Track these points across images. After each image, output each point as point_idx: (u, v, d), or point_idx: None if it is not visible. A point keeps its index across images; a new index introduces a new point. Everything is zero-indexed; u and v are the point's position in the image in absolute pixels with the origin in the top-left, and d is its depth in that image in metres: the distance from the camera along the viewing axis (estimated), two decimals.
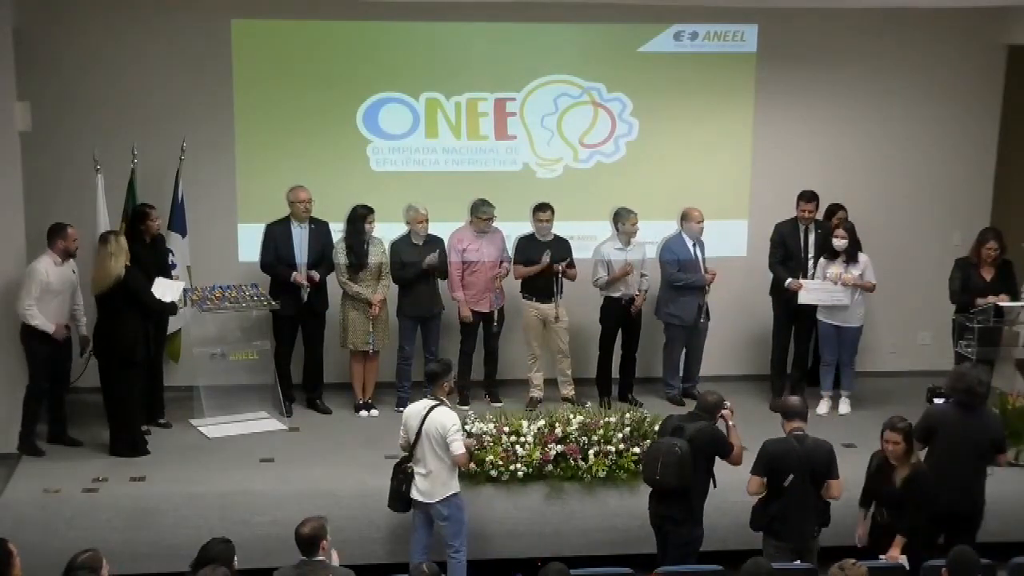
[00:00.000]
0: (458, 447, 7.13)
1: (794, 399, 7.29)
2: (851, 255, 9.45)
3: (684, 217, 9.78)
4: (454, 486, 7.28)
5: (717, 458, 7.11)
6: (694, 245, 9.78)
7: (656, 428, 7.79)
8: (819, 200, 9.80)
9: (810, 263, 9.77)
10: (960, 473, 7.18)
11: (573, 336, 9.93)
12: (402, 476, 7.34)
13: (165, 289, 8.71)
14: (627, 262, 9.58)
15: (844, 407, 9.73)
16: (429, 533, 7.39)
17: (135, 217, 9.05)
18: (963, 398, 7.23)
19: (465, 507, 7.41)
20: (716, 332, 10.18)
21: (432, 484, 7.22)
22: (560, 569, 5.84)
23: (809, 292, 9.56)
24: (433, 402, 7.24)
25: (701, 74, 10.28)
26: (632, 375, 9.97)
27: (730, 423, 7.18)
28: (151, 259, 8.91)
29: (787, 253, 9.80)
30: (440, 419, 7.15)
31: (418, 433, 7.19)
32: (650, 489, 7.18)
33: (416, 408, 7.31)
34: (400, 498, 7.36)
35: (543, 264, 9.47)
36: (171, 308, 8.78)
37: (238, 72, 9.75)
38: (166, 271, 9.10)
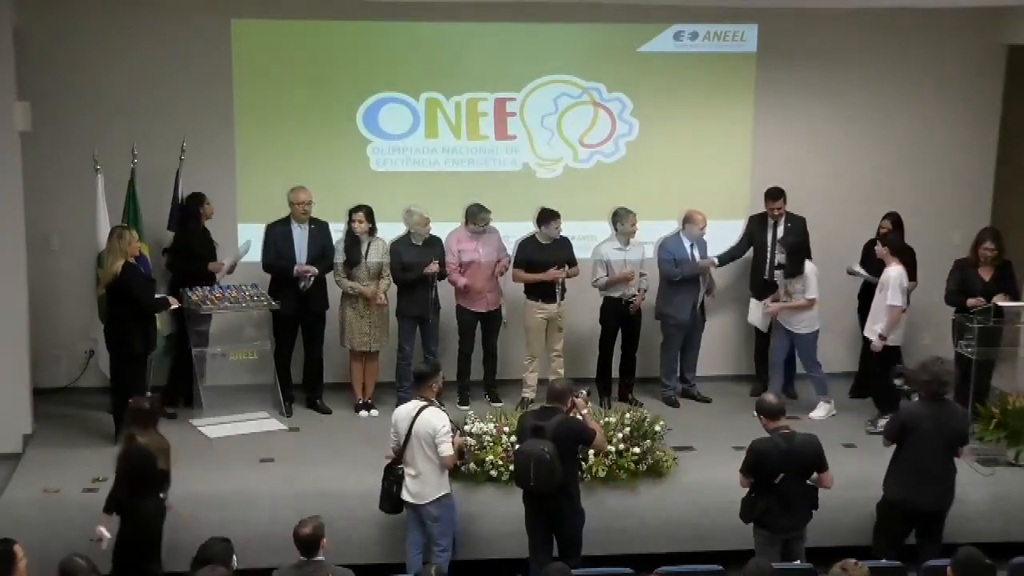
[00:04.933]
0: (446, 448, 7.07)
1: (771, 398, 7.18)
2: (790, 270, 9.39)
3: (687, 219, 9.74)
4: (445, 487, 7.24)
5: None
6: (691, 246, 9.77)
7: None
8: (786, 196, 9.85)
9: (778, 257, 9.75)
10: (933, 469, 7.17)
11: (572, 336, 9.93)
12: (392, 478, 7.32)
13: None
14: (629, 267, 9.56)
15: (819, 412, 9.54)
16: (423, 533, 7.36)
17: (191, 203, 9.21)
18: (932, 388, 7.16)
19: (456, 508, 7.40)
20: (713, 332, 10.19)
21: (423, 485, 7.19)
22: (561, 568, 5.85)
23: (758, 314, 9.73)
24: (423, 403, 7.19)
25: (701, 74, 10.28)
26: (632, 375, 9.95)
27: (583, 412, 7.18)
28: (204, 245, 9.22)
29: (751, 244, 10.03)
30: (430, 420, 7.10)
31: (408, 434, 7.16)
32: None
33: (406, 409, 7.25)
34: (390, 499, 7.34)
35: (550, 276, 9.43)
36: (161, 305, 8.73)
37: (238, 72, 9.75)
38: (212, 256, 9.31)
